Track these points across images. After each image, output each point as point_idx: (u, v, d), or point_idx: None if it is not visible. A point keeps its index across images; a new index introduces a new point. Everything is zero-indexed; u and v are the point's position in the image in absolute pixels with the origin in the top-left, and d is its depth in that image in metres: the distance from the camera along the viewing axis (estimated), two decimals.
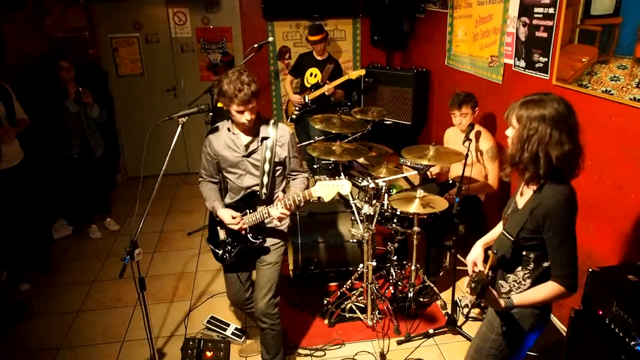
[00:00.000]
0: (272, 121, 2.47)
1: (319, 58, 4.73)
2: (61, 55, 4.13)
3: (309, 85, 4.75)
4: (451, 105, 3.33)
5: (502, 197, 3.55)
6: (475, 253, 2.00)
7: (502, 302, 1.78)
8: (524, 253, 1.81)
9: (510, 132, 1.79)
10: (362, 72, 4.47)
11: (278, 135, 2.44)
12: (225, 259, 2.59)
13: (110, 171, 5.59)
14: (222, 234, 2.59)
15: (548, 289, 1.73)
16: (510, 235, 1.80)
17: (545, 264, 1.79)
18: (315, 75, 4.70)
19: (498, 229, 2.11)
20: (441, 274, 3.62)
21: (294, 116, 4.88)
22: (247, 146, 2.43)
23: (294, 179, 2.59)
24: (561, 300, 1.76)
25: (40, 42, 4.94)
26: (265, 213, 2.41)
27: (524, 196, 1.84)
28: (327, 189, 2.29)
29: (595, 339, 2.03)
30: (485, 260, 1.98)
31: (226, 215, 2.45)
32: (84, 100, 4.13)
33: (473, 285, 1.72)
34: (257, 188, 2.48)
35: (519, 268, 1.84)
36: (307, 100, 4.71)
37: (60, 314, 3.48)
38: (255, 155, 2.44)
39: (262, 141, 2.43)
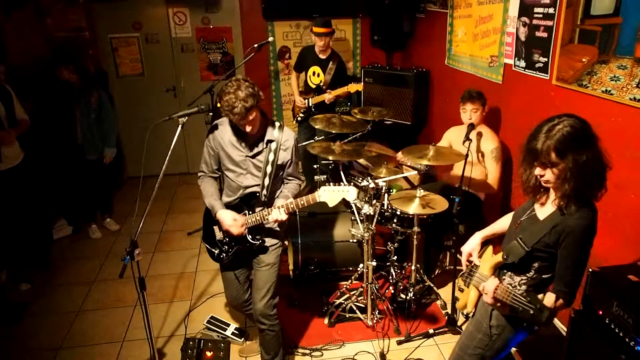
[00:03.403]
0: (277, 124, 2.47)
1: (321, 56, 4.62)
2: (61, 59, 4.16)
3: (312, 86, 4.69)
4: (463, 99, 3.31)
5: (503, 198, 3.56)
6: (472, 244, 2.00)
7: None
8: (529, 261, 1.81)
9: (548, 172, 1.70)
10: (360, 87, 4.47)
11: (283, 139, 2.44)
12: (223, 259, 2.58)
13: (115, 171, 5.58)
14: (219, 234, 2.58)
15: (548, 302, 1.72)
16: (525, 245, 1.79)
17: (545, 276, 1.80)
18: (318, 75, 4.64)
19: (499, 224, 2.11)
20: (437, 272, 3.61)
21: (299, 118, 4.81)
22: (252, 146, 2.43)
23: (287, 183, 2.59)
24: (557, 311, 1.76)
25: (40, 42, 4.94)
26: (266, 214, 2.41)
27: (545, 208, 1.81)
28: (332, 194, 2.28)
29: (595, 339, 2.03)
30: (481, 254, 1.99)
31: (227, 217, 2.42)
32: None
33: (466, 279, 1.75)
34: (256, 189, 2.48)
35: (518, 272, 1.84)
36: (310, 105, 4.65)
37: (60, 314, 3.48)
38: (260, 156, 2.44)
39: (267, 144, 2.43)
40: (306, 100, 4.68)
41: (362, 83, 4.57)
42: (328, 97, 4.48)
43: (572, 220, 1.68)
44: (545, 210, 1.81)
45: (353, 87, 4.43)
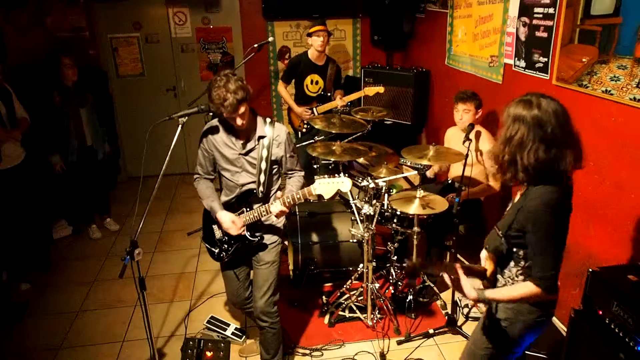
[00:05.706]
0: (268, 120, 2.48)
1: (318, 63, 4.32)
2: (62, 52, 4.14)
3: (312, 95, 4.40)
4: (455, 99, 3.32)
5: (503, 198, 3.55)
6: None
7: (475, 293, 1.77)
8: (514, 250, 1.82)
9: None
10: (381, 89, 4.22)
11: (274, 135, 2.45)
12: (222, 257, 2.59)
13: (112, 171, 5.58)
14: (218, 233, 2.59)
15: (523, 288, 1.73)
16: (499, 231, 1.82)
17: None
18: (317, 82, 4.38)
19: None
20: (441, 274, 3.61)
21: (304, 130, 4.48)
22: (244, 144, 2.44)
23: (289, 178, 2.60)
24: (537, 300, 1.75)
25: (40, 42, 4.94)
26: (263, 211, 2.41)
27: (517, 196, 1.85)
28: (327, 186, 2.28)
29: (595, 339, 2.03)
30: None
31: (226, 219, 2.44)
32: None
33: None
34: (253, 186, 2.48)
35: (512, 264, 1.85)
36: (316, 115, 4.33)
37: (60, 314, 3.48)
38: (253, 153, 2.45)
39: (258, 140, 2.44)
40: (310, 111, 4.40)
41: (381, 85, 4.28)
42: (341, 103, 4.23)
43: (529, 201, 1.68)
44: (516, 198, 1.84)
45: (372, 90, 4.20)
